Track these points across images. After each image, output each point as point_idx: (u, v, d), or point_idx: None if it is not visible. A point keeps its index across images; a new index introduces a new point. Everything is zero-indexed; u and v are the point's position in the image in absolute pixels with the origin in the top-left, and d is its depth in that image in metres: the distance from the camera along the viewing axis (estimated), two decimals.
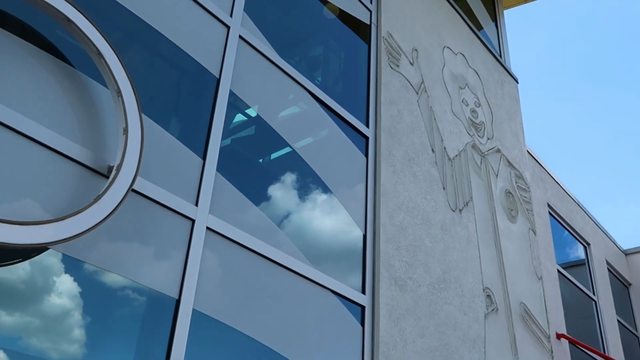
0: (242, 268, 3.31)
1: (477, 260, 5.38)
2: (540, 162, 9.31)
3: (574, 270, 10.37)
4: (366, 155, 4.61)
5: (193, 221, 3.10)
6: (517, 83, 7.81)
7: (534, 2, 8.82)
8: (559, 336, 7.79)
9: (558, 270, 9.32)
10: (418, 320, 4.33)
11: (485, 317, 5.18)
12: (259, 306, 3.35)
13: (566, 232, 10.24)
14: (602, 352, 9.16)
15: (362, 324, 3.95)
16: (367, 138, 4.69)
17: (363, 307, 4.00)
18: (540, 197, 8.94)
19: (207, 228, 3.15)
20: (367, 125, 4.75)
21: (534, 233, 6.66)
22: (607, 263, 10.83)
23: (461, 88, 6.33)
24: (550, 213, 9.22)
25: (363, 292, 4.06)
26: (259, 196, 3.65)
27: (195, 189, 3.20)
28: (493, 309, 5.35)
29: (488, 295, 5.37)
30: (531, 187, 8.75)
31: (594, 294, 9.90)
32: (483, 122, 6.51)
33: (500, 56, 7.82)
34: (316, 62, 4.75)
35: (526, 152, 7.24)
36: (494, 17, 8.17)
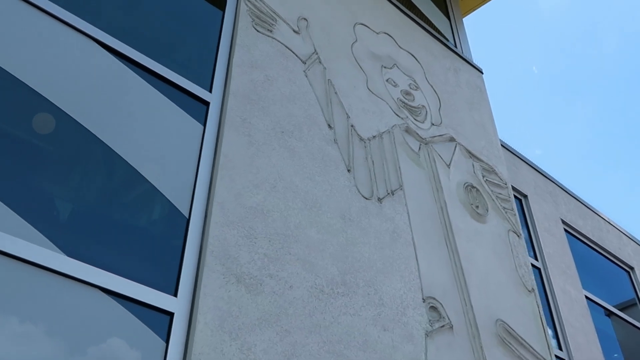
0: None
1: (411, 261, 3.95)
2: (544, 173, 7.80)
3: (634, 311, 8.47)
4: (204, 124, 3.43)
5: None
6: (482, 73, 6.56)
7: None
8: None
9: (606, 309, 7.53)
10: (285, 335, 2.93)
11: (428, 336, 3.67)
12: None
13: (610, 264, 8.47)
14: None
15: (167, 339, 2.60)
16: (207, 104, 3.52)
17: (171, 315, 2.66)
18: (550, 212, 7.37)
19: None
20: (210, 90, 3.60)
21: (517, 236, 5.14)
22: None
23: (386, 67, 5.15)
24: (568, 231, 7.58)
25: (175, 294, 2.73)
26: None
27: None
28: (443, 326, 3.84)
29: (433, 307, 3.88)
30: (538, 202, 7.24)
31: None
32: (424, 106, 5.24)
33: (456, 46, 6.65)
34: (137, 21, 3.70)
35: (499, 144, 5.85)
36: (445, 9, 7.09)
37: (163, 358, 2.53)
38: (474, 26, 28.49)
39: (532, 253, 6.70)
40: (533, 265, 6.50)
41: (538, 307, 4.76)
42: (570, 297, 6.54)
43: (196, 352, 2.56)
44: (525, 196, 7.16)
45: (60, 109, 2.92)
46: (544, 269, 6.53)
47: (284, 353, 2.86)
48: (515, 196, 7.14)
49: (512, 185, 7.05)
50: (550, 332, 6.01)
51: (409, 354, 3.45)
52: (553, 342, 6.04)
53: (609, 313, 8.09)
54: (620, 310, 8.21)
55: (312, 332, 3.04)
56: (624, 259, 8.35)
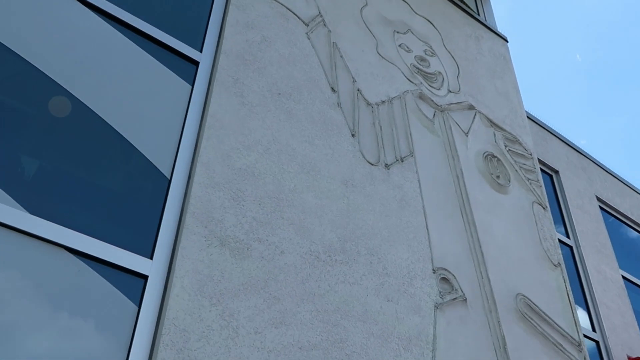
0: None
1: (421, 230, 3.69)
2: (577, 148, 7.39)
3: None
4: (192, 84, 3.25)
5: None
6: (507, 42, 6.22)
7: None
8: None
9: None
10: (273, 302, 2.72)
11: (438, 308, 3.42)
12: None
13: None
14: None
15: (139, 303, 2.42)
16: (197, 64, 3.34)
17: (145, 278, 2.49)
18: (584, 189, 6.98)
19: None
20: (201, 50, 3.42)
21: (543, 208, 4.82)
22: None
23: (399, 32, 4.88)
24: (603, 209, 7.17)
25: (150, 256, 2.56)
26: None
27: None
28: (455, 299, 3.57)
29: (444, 279, 3.62)
30: (571, 178, 6.86)
31: None
32: (440, 72, 4.96)
33: (479, 14, 6.32)
34: None
35: (524, 114, 5.52)
36: None
37: (134, 322, 2.36)
38: (514, 15, 27.68)
39: (563, 230, 6.34)
40: (564, 243, 6.14)
41: (565, 283, 4.44)
42: (605, 277, 6.16)
43: (170, 316, 2.38)
44: (557, 172, 6.79)
45: (37, 68, 2.78)
46: (577, 247, 6.17)
47: (271, 321, 2.66)
48: (545, 172, 6.78)
49: (542, 160, 6.69)
50: (579, 310, 5.67)
51: (415, 326, 3.21)
52: (586, 323, 5.68)
53: None
54: None
55: (304, 300, 2.83)
56: None
